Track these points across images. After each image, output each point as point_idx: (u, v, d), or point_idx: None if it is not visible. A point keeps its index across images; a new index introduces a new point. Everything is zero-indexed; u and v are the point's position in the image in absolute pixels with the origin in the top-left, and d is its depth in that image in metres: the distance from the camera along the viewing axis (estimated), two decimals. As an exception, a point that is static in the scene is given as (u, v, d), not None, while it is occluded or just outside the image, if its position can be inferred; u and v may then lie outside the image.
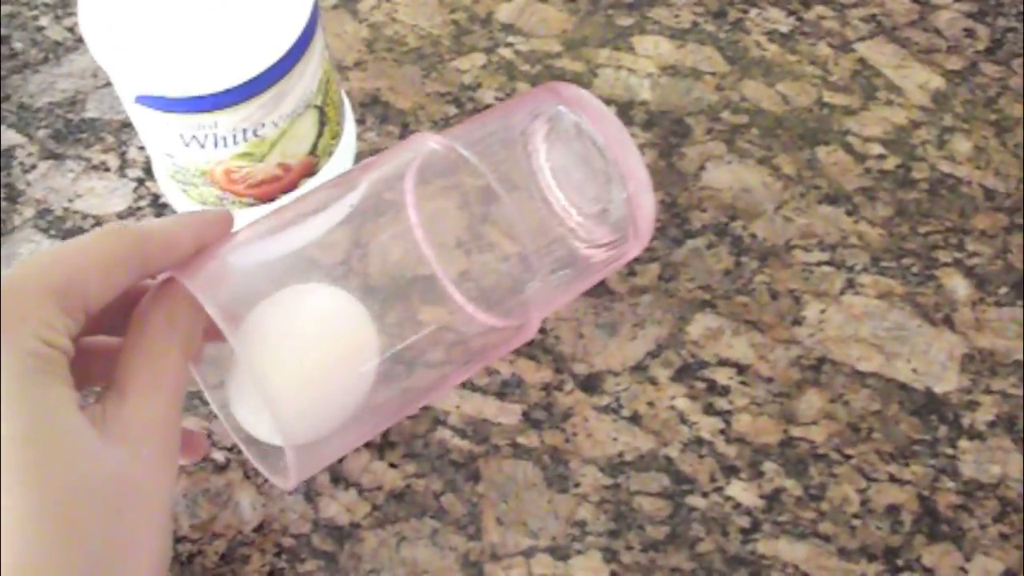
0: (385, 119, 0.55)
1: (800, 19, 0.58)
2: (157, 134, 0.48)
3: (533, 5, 0.60)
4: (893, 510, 0.46)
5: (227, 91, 0.45)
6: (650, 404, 0.48)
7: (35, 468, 0.33)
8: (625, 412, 0.48)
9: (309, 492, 0.47)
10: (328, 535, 0.47)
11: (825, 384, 0.48)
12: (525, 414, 0.48)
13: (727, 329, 0.50)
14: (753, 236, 0.52)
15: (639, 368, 0.49)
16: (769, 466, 0.47)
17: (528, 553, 0.46)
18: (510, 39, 0.58)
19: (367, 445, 0.48)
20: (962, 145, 0.54)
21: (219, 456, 0.48)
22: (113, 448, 0.36)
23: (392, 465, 0.48)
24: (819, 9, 0.59)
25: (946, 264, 0.51)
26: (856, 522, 0.46)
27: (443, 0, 0.60)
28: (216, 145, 0.47)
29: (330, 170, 0.52)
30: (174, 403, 0.39)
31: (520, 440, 0.48)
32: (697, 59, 0.57)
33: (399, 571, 0.46)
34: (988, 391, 0.48)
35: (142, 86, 0.45)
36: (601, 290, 0.51)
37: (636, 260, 0.52)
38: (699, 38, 0.58)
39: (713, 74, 0.57)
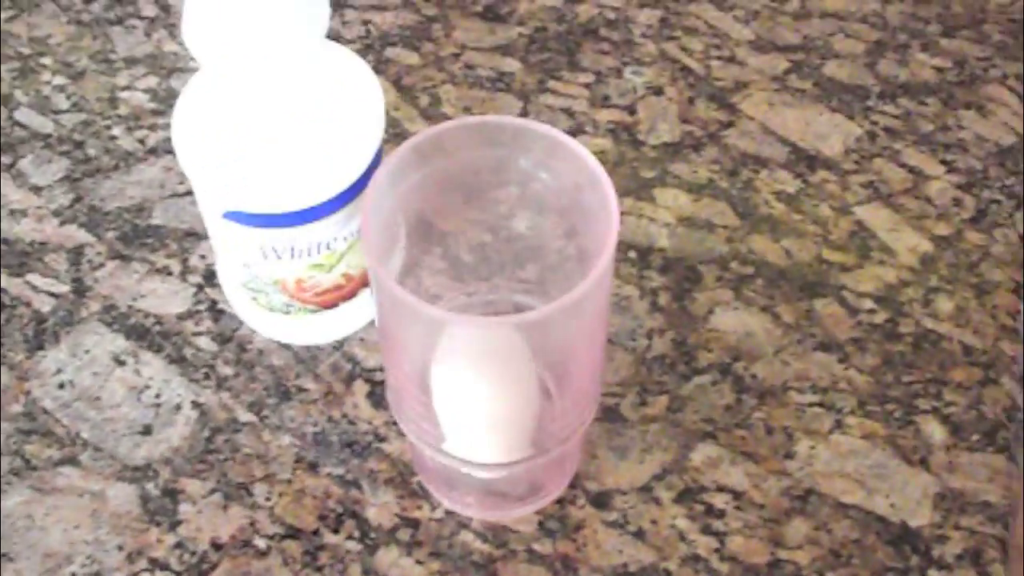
0: (429, 238, 0.61)
1: (805, 181, 0.64)
2: (238, 246, 0.53)
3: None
4: (867, 632, 0.51)
5: (309, 209, 0.50)
6: (653, 522, 0.54)
7: None
8: (631, 527, 0.53)
9: (342, 582, 0.52)
10: (357, 622, 0.52)
11: (811, 513, 0.54)
12: (541, 524, 0.54)
13: (726, 458, 0.55)
14: (753, 376, 0.58)
15: (645, 489, 0.54)
16: (758, 585, 0.52)
17: (538, 650, 0.51)
18: (542, 175, 0.64)
19: (396, 542, 0.53)
20: (945, 304, 0.60)
21: (261, 543, 0.53)
22: None
23: (419, 562, 0.53)
24: (823, 174, 0.65)
25: (925, 411, 0.57)
26: (833, 640, 0.51)
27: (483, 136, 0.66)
28: (293, 257, 0.53)
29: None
30: None
31: (535, 547, 0.53)
32: (711, 212, 0.63)
33: (420, 659, 0.51)
34: (957, 527, 0.53)
35: (231, 203, 0.51)
36: (614, 417, 0.56)
37: (648, 392, 0.57)
38: (714, 193, 0.64)
39: (725, 227, 0.63)
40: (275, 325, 0.58)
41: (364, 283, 0.57)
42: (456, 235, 0.54)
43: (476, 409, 0.48)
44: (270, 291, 0.55)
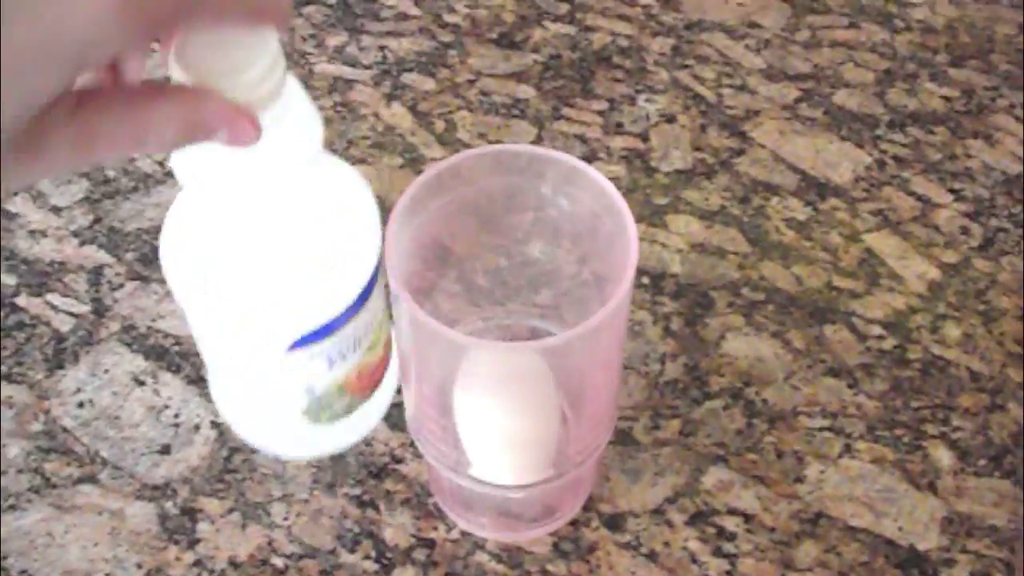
0: (446, 263, 0.61)
1: (816, 209, 0.65)
2: (304, 372, 0.48)
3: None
4: (876, 654, 0.52)
5: (364, 288, 0.47)
6: (666, 544, 0.54)
7: None
8: (643, 549, 0.54)
9: (359, 601, 0.53)
10: (374, 641, 0.52)
11: (821, 536, 0.55)
12: (555, 545, 0.54)
13: (737, 482, 0.56)
14: (764, 401, 0.59)
15: (658, 511, 0.55)
16: (768, 607, 0.53)
17: (551, 669, 0.51)
18: (558, 199, 0.65)
19: (412, 562, 0.54)
20: (953, 331, 0.61)
21: (278, 562, 0.54)
22: None
23: (435, 582, 0.54)
24: (833, 201, 0.66)
25: (933, 436, 0.58)
26: (843, 662, 0.51)
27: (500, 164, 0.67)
28: (355, 349, 0.48)
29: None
30: None
31: (549, 568, 0.54)
32: (722, 239, 0.64)
33: (435, 678, 0.51)
34: (964, 551, 0.54)
35: (295, 329, 0.46)
36: (628, 440, 0.57)
37: (660, 416, 0.58)
38: (725, 220, 0.65)
39: (736, 253, 0.64)
40: (334, 436, 0.53)
41: (388, 346, 0.53)
42: (472, 260, 0.55)
43: (498, 432, 0.49)
44: (335, 400, 0.50)
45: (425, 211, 0.48)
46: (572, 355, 0.45)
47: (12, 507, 0.55)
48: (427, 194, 0.47)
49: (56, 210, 0.66)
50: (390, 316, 0.51)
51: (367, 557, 0.54)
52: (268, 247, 0.44)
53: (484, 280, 0.56)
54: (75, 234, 0.65)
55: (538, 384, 0.47)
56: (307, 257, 0.45)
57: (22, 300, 0.62)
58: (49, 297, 0.62)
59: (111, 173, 0.67)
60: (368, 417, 0.53)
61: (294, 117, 0.41)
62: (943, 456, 0.57)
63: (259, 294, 0.45)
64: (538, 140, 0.68)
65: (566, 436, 0.51)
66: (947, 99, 0.71)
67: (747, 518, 0.55)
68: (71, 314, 0.62)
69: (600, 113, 0.70)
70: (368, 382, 0.51)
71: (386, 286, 0.46)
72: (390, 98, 0.70)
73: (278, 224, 0.44)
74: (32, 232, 0.65)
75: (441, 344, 0.45)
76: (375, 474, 0.56)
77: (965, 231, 0.65)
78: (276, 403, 0.50)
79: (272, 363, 0.47)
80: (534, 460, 0.50)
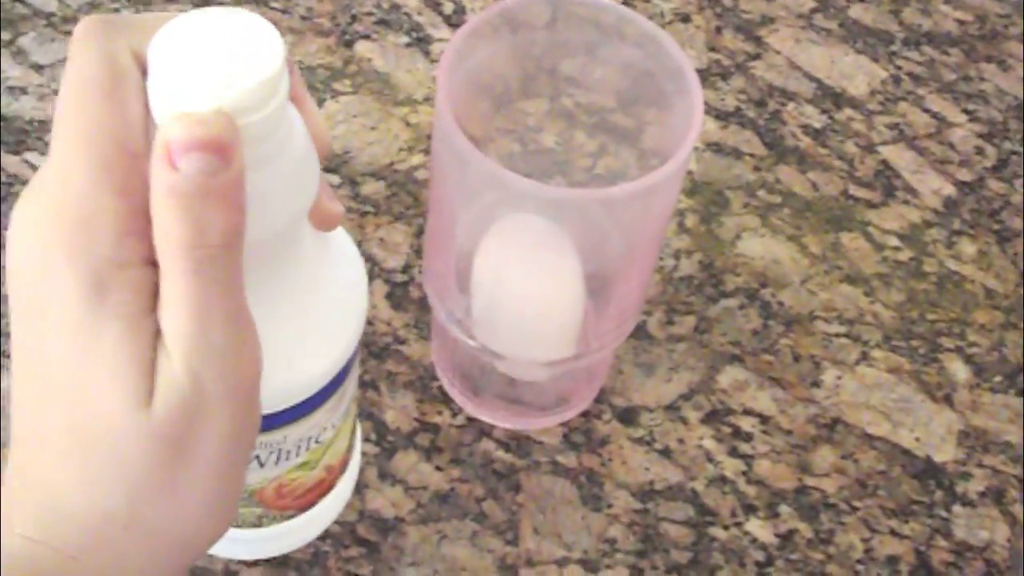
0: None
1: (832, 118, 0.64)
2: None
3: (593, 64, 0.65)
4: (893, 560, 0.50)
5: (302, 403, 0.40)
6: (680, 441, 0.53)
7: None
8: (657, 445, 0.52)
9: (357, 484, 0.50)
10: (372, 526, 0.50)
11: (838, 442, 0.53)
12: (565, 436, 0.52)
13: (753, 383, 0.54)
14: (780, 303, 0.57)
15: (672, 407, 0.53)
16: (784, 509, 0.51)
17: (561, 562, 0.49)
18: (571, 91, 0.63)
19: (415, 447, 0.51)
20: (968, 248, 0.60)
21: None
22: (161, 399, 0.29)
23: (438, 468, 0.51)
24: (849, 112, 0.64)
25: (949, 350, 0.56)
26: (860, 567, 0.50)
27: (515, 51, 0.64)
28: (278, 461, 0.43)
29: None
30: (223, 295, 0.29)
31: (559, 459, 0.52)
32: (738, 140, 0.62)
33: (439, 566, 0.49)
34: (980, 465, 0.53)
35: None
36: (642, 334, 0.55)
37: (675, 311, 0.56)
38: (741, 122, 0.63)
39: (752, 156, 0.62)
40: (236, 543, 0.48)
41: (341, 471, 0.48)
42: (486, 142, 0.53)
43: (515, 297, 0.46)
44: (240, 504, 0.42)
45: (474, 56, 0.46)
46: (624, 211, 0.43)
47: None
48: (488, 32, 0.45)
49: (38, 67, 0.62)
50: (349, 444, 0.47)
51: (367, 439, 0.52)
52: None
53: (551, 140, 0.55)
54: (57, 93, 0.61)
55: (560, 254, 0.45)
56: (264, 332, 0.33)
57: (1, 158, 0.58)
58: (28, 156, 0.59)
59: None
60: (284, 538, 0.48)
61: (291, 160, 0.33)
62: (959, 370, 0.56)
63: None
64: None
65: (593, 317, 0.49)
66: (961, 22, 0.69)
67: (763, 419, 0.53)
68: (51, 175, 0.58)
69: (613, 7, 0.67)
70: (291, 502, 0.46)
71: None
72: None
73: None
74: (12, 89, 0.61)
75: (488, 187, 0.43)
76: (376, 354, 0.54)
77: (979, 151, 0.64)
78: None
79: None
80: (551, 335, 0.48)
